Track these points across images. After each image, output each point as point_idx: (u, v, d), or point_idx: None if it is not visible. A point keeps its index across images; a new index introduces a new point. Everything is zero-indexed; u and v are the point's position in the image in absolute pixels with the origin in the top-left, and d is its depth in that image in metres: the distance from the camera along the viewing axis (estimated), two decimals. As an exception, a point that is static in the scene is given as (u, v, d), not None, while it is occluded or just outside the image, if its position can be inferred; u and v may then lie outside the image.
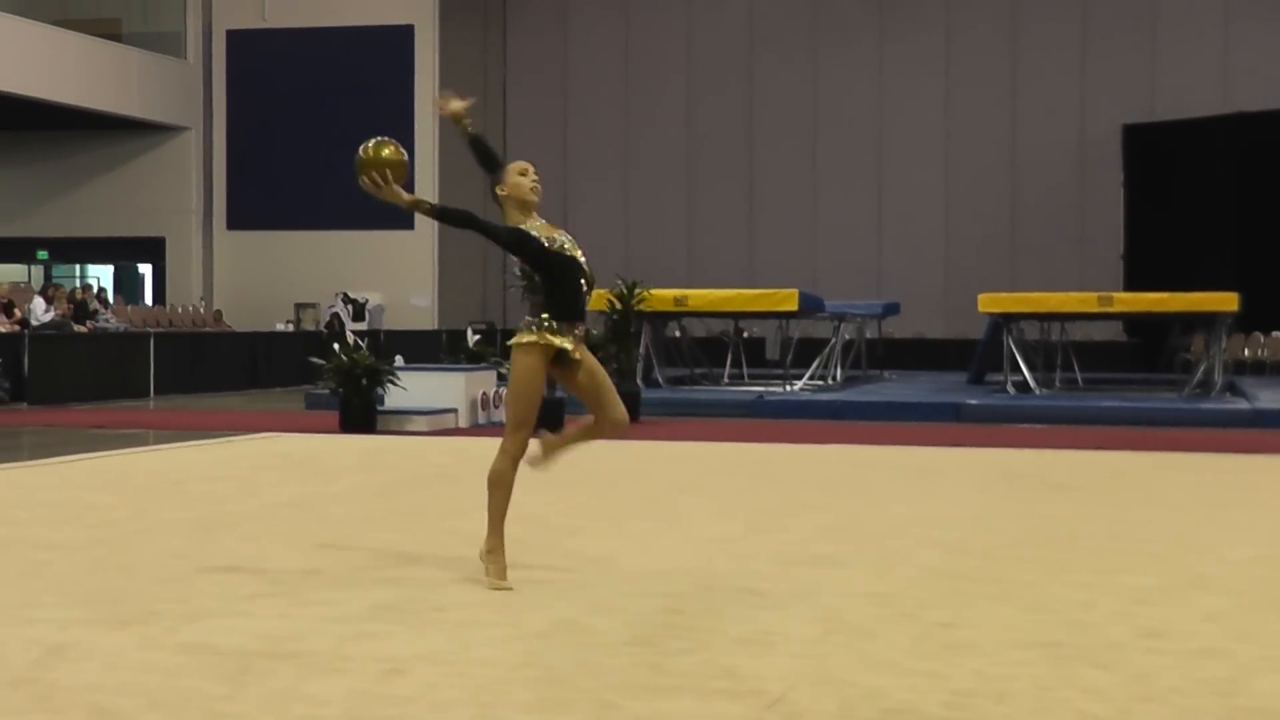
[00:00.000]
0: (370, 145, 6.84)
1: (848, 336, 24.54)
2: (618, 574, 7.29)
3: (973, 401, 19.57)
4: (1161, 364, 26.65)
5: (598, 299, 19.13)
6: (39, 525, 8.86)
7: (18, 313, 24.12)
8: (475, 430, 16.75)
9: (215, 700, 4.83)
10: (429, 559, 7.67)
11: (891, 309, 26.77)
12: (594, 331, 19.11)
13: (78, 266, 35.58)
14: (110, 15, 33.01)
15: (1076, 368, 24.69)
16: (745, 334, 26.42)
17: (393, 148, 6.85)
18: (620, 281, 18.83)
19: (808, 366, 23.06)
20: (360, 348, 17.00)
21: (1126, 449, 14.64)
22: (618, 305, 18.36)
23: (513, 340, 7.00)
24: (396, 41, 32.81)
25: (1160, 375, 25.86)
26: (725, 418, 19.02)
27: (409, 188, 6.86)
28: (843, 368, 23.71)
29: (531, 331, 6.91)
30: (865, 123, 33.48)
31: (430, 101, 32.60)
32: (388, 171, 6.76)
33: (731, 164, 34.04)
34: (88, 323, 25.21)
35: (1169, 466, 13.25)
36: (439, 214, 6.92)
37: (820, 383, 22.83)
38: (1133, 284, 28.87)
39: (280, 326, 30.42)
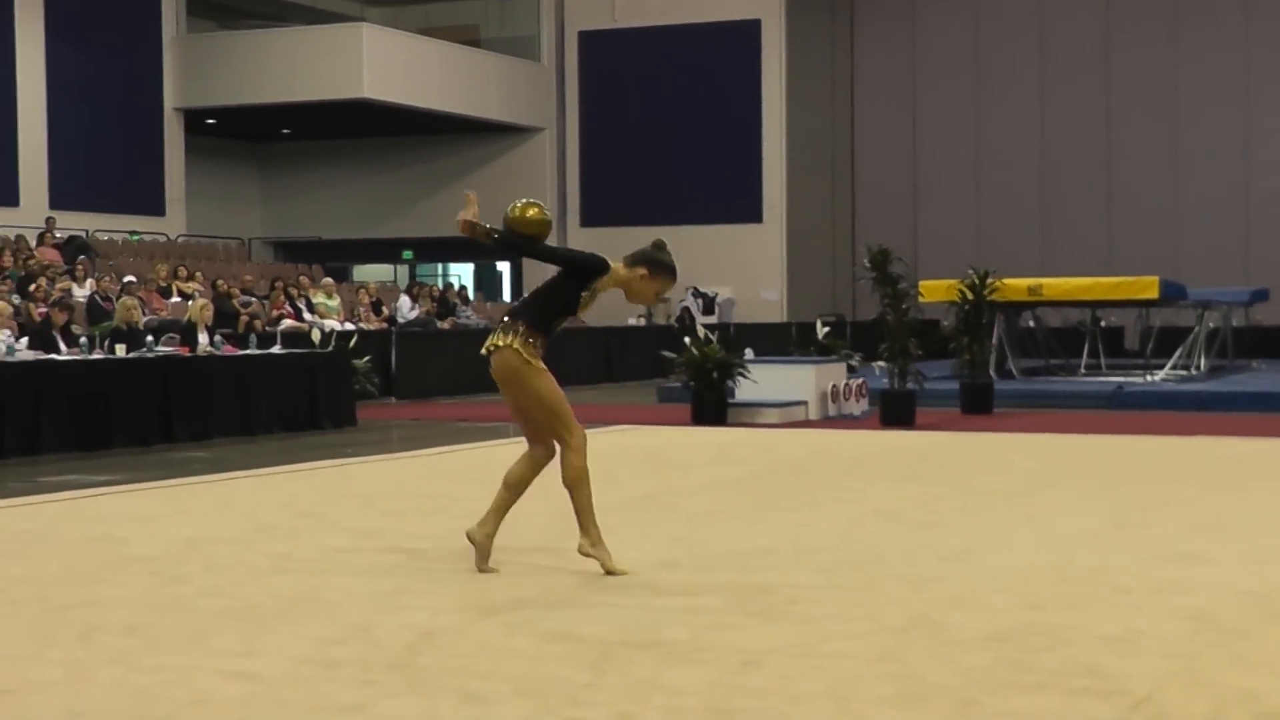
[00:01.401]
0: (518, 205, 7.07)
1: (1212, 325, 23.60)
2: (976, 569, 7.17)
3: (1350, 391, 18.57)
4: None
5: (949, 289, 18.89)
6: (410, 516, 9.22)
7: (385, 311, 25.17)
8: (826, 422, 16.71)
9: (578, 688, 4.94)
10: (784, 552, 7.69)
11: (1260, 295, 25.60)
12: (945, 323, 18.90)
13: (440, 265, 36.94)
14: (469, 22, 34.13)
15: None
16: (1103, 323, 25.66)
17: (537, 209, 7.07)
18: (972, 271, 18.52)
19: (1169, 356, 22.27)
20: (711, 341, 17.15)
21: None
22: (969, 296, 18.05)
23: (505, 342, 6.90)
24: (744, 36, 32.98)
25: None
26: (1082, 410, 18.52)
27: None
28: (1207, 357, 22.82)
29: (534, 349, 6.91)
30: (1230, 101, 32.12)
31: (777, 95, 32.71)
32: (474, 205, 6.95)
33: (1087, 148, 33.12)
34: (450, 319, 26.13)
35: None
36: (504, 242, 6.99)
37: (1183, 373, 22.02)
38: None
39: (632, 321, 30.94)
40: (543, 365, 6.96)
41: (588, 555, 7.03)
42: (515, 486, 7.19)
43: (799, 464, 12.28)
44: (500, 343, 6.93)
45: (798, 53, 33.29)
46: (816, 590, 6.61)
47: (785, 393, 17.08)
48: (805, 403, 17.13)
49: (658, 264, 7.11)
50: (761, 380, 16.93)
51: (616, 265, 7.08)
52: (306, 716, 4.65)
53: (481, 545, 7.11)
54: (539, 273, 32.88)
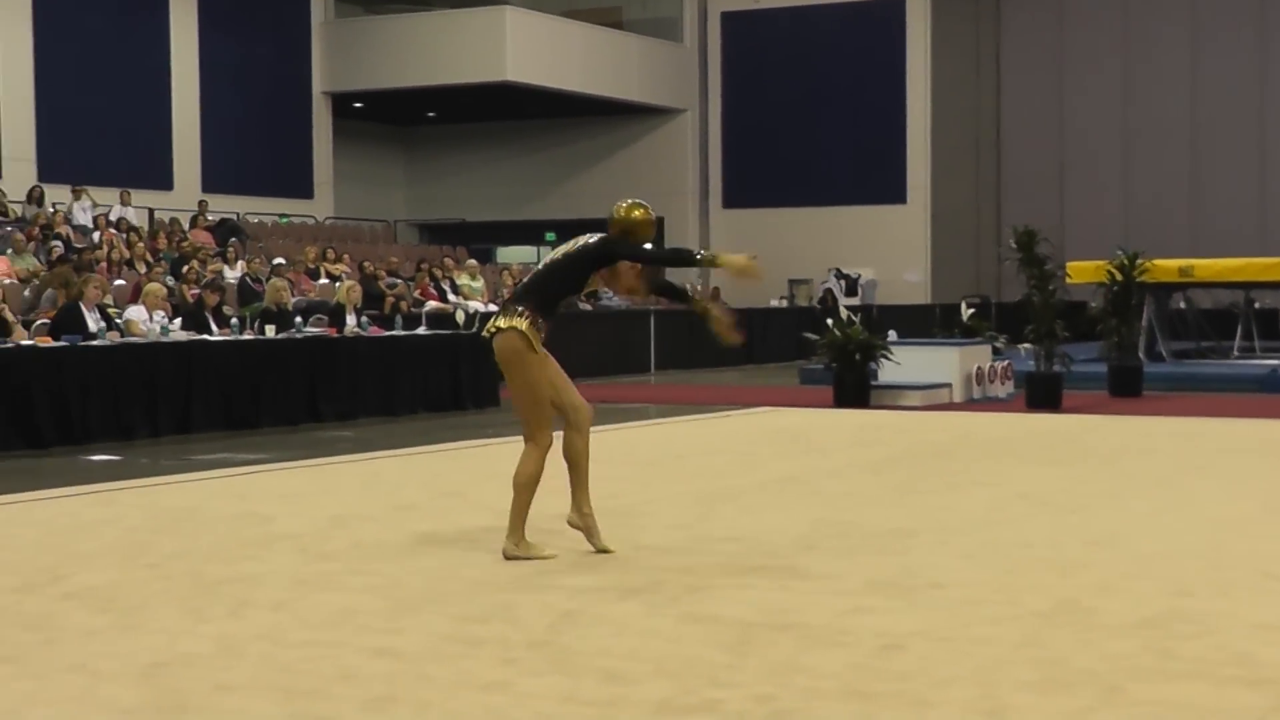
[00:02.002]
0: (623, 206, 7.16)
1: (1372, 306, 22.98)
2: (1122, 554, 7.06)
3: None
4: None
5: (1097, 270, 18.59)
6: (550, 496, 9.25)
7: (529, 292, 25.32)
8: (970, 405, 16.54)
9: (718, 669, 4.94)
10: (925, 534, 7.62)
11: None
12: (1093, 304, 18.60)
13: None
14: (611, 4, 34.19)
15: None
16: (1257, 305, 25.09)
17: (643, 209, 7.17)
18: (1120, 252, 18.20)
19: (1326, 339, 21.73)
20: (854, 323, 17.04)
21: None
22: (1118, 277, 17.74)
23: (509, 324, 6.92)
24: (888, 17, 32.67)
25: None
26: (1235, 393, 18.13)
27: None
28: (1366, 339, 22.23)
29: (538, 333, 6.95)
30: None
31: (922, 74, 32.37)
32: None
33: (1240, 124, 32.35)
34: (591, 301, 26.24)
35: None
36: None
37: (1340, 356, 21.48)
38: None
39: (775, 303, 30.86)
40: (544, 353, 6.97)
41: (513, 558, 6.97)
42: (574, 460, 7.19)
43: (942, 447, 12.17)
44: (504, 324, 6.94)
45: (943, 30, 32.91)
46: (959, 574, 6.55)
47: (929, 375, 16.93)
48: (949, 385, 16.96)
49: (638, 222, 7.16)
50: (905, 362, 16.79)
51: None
52: (449, 693, 4.70)
53: (585, 526, 7.13)
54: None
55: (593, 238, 7.09)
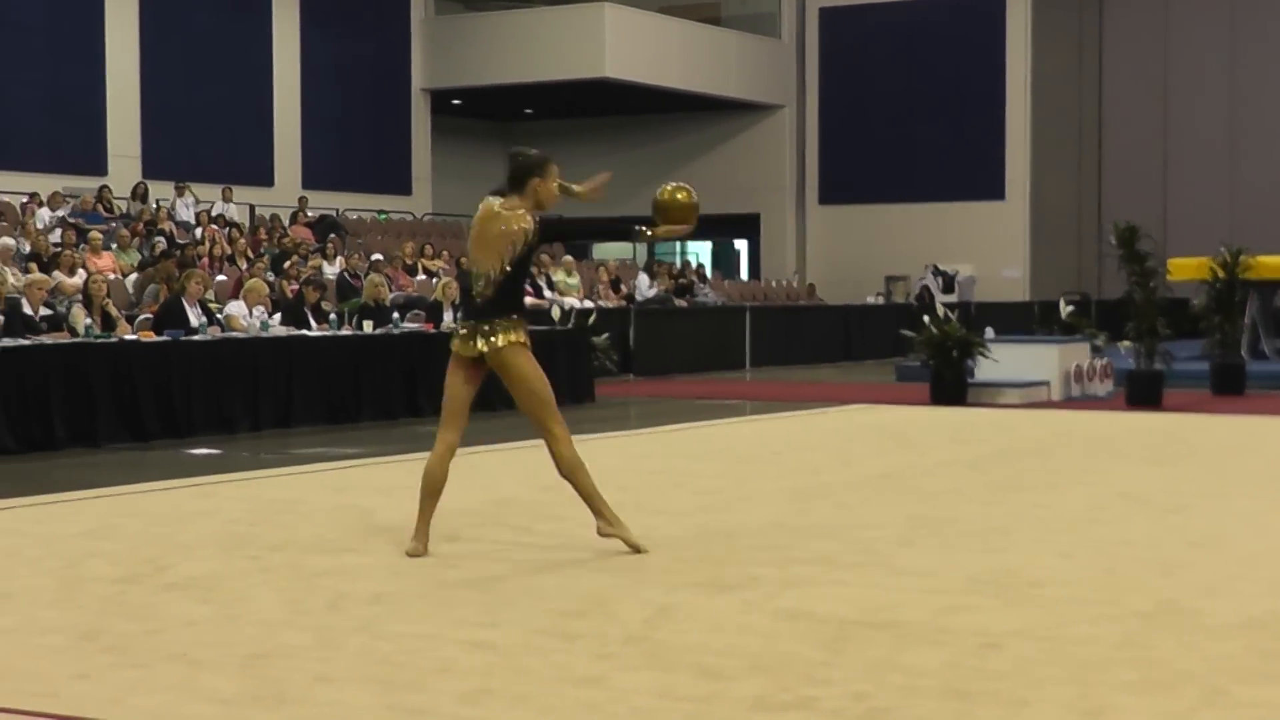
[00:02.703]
0: (668, 189, 7.26)
1: None
2: (1226, 554, 6.96)
3: None
4: None
5: (1199, 267, 18.34)
6: (647, 491, 9.28)
7: (624, 288, 25.38)
8: (1069, 403, 16.37)
9: (814, 666, 4.92)
10: (1024, 533, 7.56)
11: None
12: (1195, 301, 18.34)
13: (678, 243, 37.06)
14: (709, 0, 34.16)
15: None
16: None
17: (686, 193, 7.22)
18: (1224, 249, 17.95)
19: None
20: (951, 320, 16.92)
21: None
22: (1221, 274, 17.50)
23: (509, 339, 6.92)
24: (988, 15, 32.37)
25: None
26: (1342, 392, 17.81)
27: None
28: None
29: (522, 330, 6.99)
30: None
31: (1022, 67, 32.07)
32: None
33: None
34: (688, 298, 26.24)
35: None
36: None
37: None
38: None
39: (871, 299, 30.71)
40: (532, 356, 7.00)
41: (608, 536, 7.02)
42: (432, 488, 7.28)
43: (1040, 445, 12.06)
44: (501, 342, 6.93)
45: (1043, 23, 32.55)
46: (1058, 573, 6.49)
47: (1027, 372, 16.78)
48: (1048, 383, 16.80)
49: (536, 162, 7.32)
50: (1003, 359, 16.65)
51: (516, 203, 7.14)
52: (545, 687, 4.72)
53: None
54: (776, 250, 32.59)
55: (528, 226, 7.08)
